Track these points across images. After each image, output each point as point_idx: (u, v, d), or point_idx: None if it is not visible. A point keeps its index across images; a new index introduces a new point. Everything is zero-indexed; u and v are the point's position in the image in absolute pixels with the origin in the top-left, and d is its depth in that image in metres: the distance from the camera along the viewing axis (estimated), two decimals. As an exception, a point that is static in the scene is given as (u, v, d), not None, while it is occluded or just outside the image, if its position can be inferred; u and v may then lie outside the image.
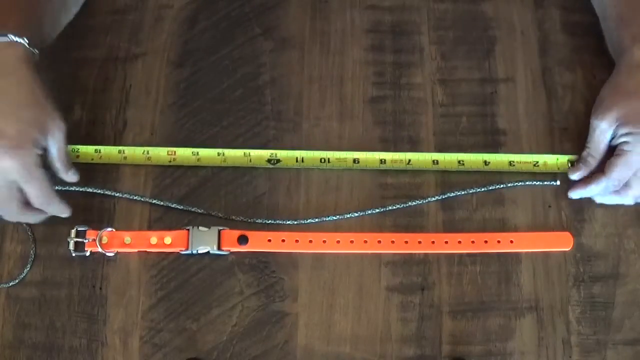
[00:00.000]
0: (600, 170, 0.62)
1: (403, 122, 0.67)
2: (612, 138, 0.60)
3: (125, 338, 0.60)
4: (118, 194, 0.63)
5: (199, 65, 0.69)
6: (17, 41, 0.54)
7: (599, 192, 0.62)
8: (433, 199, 0.64)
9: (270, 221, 0.63)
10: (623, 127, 0.59)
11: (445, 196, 0.64)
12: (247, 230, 0.62)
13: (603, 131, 0.60)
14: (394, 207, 0.63)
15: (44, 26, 0.59)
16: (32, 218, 0.59)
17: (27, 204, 0.57)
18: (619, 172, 0.59)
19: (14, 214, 0.57)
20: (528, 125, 0.67)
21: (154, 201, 0.63)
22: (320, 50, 0.70)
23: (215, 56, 0.69)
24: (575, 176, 0.63)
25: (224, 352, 0.59)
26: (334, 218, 0.63)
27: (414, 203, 0.64)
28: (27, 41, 0.55)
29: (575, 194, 0.63)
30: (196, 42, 0.70)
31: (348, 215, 0.63)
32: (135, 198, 0.63)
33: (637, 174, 0.60)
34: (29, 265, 0.61)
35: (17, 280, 0.60)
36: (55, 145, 0.56)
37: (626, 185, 0.61)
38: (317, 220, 0.63)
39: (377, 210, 0.63)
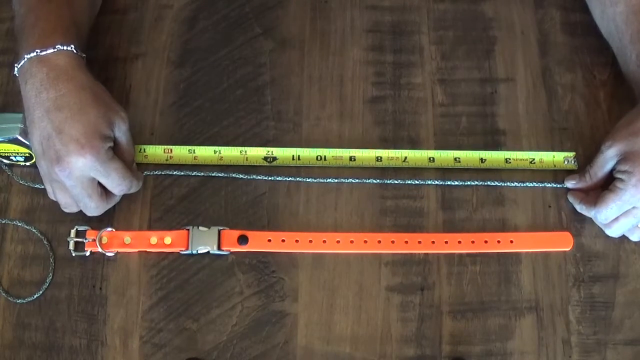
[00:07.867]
0: (594, 190, 0.62)
1: (403, 122, 0.67)
2: (613, 168, 0.60)
3: (125, 338, 0.60)
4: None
5: (199, 65, 0.69)
6: (65, 49, 0.57)
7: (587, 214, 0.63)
8: (433, 182, 0.64)
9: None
10: (623, 163, 0.58)
11: (447, 183, 0.64)
12: (247, 230, 0.62)
13: (606, 159, 0.60)
14: (393, 182, 0.64)
15: (81, 29, 0.61)
16: (110, 205, 0.61)
17: (104, 194, 0.59)
18: (608, 209, 0.59)
19: (94, 208, 0.59)
20: (528, 125, 0.67)
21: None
22: (320, 50, 0.70)
23: (215, 56, 0.69)
24: (569, 184, 0.64)
25: (224, 352, 0.59)
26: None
27: (413, 182, 0.64)
28: (73, 47, 0.57)
29: (570, 199, 0.64)
30: (196, 42, 0.70)
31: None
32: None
33: (626, 212, 0.60)
34: (50, 275, 0.61)
35: (41, 291, 0.61)
36: (122, 135, 0.59)
37: (614, 218, 0.61)
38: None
39: (377, 181, 0.64)
